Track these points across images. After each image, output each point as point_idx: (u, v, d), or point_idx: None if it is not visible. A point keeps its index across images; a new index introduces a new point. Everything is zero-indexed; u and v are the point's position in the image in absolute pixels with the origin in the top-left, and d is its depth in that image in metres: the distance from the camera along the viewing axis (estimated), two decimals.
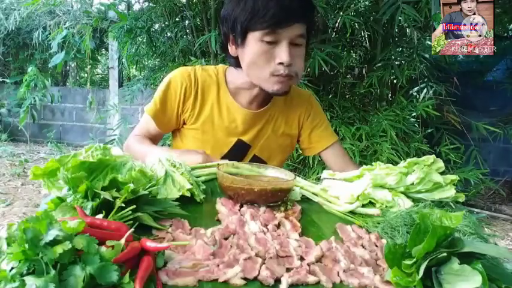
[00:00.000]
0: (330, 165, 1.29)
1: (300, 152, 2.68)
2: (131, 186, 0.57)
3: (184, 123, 1.21)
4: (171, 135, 1.30)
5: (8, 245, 0.41)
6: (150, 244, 0.48)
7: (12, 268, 0.39)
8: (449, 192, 0.83)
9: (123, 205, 0.56)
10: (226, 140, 1.19)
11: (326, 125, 1.30)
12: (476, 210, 3.22)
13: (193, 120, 1.18)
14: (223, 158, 1.17)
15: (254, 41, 1.01)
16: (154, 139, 1.24)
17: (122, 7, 3.80)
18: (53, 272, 0.39)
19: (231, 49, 1.10)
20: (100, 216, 0.53)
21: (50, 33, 4.57)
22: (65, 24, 4.48)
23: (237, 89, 1.17)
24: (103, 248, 0.42)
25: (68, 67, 6.01)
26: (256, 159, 1.23)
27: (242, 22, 1.00)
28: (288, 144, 1.29)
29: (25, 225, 0.40)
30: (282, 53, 0.99)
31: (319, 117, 1.29)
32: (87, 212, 0.56)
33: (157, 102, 1.17)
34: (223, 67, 1.22)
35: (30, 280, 0.38)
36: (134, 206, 0.56)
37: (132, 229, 0.48)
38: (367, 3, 2.95)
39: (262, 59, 1.02)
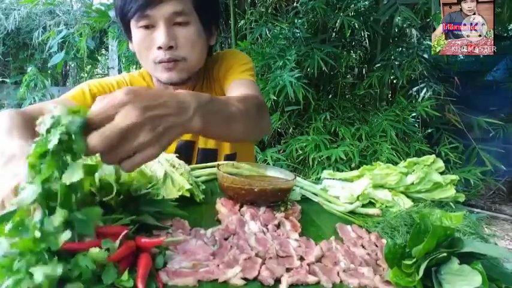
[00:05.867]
0: None
1: (300, 152, 2.69)
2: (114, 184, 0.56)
3: None
4: None
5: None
6: (144, 240, 0.49)
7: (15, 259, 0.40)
8: (449, 192, 0.83)
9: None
10: None
11: (232, 65, 1.08)
12: (476, 210, 3.22)
13: None
14: None
15: (135, 30, 0.95)
16: None
17: None
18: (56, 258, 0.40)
19: (130, 46, 1.03)
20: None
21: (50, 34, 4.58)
22: (64, 25, 4.48)
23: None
24: (96, 249, 0.42)
25: (68, 67, 6.01)
26: (204, 153, 1.11)
27: (119, 12, 0.95)
28: None
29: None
30: (158, 35, 0.91)
31: (226, 63, 1.10)
32: None
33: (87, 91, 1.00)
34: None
35: (36, 270, 0.38)
36: (134, 217, 0.55)
37: (127, 230, 0.48)
38: (366, 3, 2.95)
39: (143, 47, 0.95)
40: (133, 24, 0.95)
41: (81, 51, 3.72)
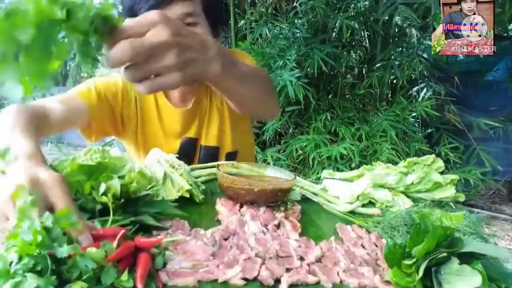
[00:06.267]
0: None
1: (300, 152, 2.69)
2: (116, 186, 0.55)
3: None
4: None
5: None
6: (143, 240, 0.49)
7: (12, 262, 0.39)
8: (449, 192, 0.83)
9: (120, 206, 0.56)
10: (170, 145, 1.08)
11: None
12: (476, 210, 3.22)
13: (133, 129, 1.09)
14: None
15: None
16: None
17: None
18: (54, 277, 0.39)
19: None
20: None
21: None
22: None
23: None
24: (93, 249, 0.42)
25: (68, 67, 6.01)
26: (207, 150, 1.12)
27: (128, 12, 0.94)
28: (239, 117, 1.13)
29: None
30: None
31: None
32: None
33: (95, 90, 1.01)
34: None
35: (32, 278, 0.38)
36: (133, 218, 0.55)
37: (124, 230, 0.48)
38: (366, 3, 2.95)
39: None
40: None
41: None
